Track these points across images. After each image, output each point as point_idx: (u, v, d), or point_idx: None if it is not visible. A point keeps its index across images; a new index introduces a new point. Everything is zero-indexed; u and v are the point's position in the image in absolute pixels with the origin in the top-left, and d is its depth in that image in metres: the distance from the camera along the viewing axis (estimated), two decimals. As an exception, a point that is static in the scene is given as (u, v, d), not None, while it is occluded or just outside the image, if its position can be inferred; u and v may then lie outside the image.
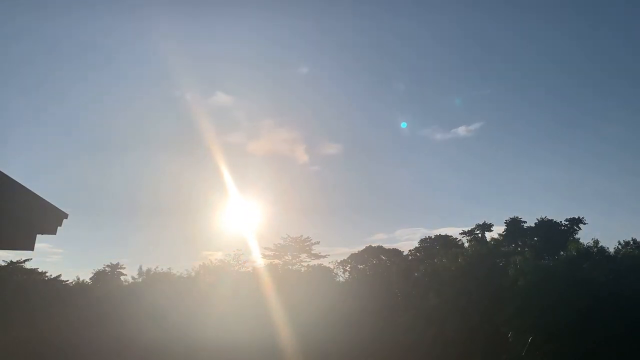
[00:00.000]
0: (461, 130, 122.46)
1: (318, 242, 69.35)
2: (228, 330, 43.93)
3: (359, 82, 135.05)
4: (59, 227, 6.44)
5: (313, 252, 68.92)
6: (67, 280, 60.33)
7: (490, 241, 59.72)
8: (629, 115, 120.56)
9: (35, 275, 57.73)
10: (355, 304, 49.23)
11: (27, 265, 56.63)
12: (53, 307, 47.71)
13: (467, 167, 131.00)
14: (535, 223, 68.43)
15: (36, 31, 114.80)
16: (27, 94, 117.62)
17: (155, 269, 61.30)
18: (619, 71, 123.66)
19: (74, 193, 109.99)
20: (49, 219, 6.29)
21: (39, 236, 6.50)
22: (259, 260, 66.87)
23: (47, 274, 58.96)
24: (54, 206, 6.26)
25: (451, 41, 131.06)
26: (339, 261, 71.50)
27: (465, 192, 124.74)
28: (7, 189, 5.73)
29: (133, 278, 63.52)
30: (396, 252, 72.46)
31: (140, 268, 62.18)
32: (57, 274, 59.69)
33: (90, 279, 68.45)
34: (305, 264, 68.13)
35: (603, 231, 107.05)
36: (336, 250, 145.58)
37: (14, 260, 55.69)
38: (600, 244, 45.52)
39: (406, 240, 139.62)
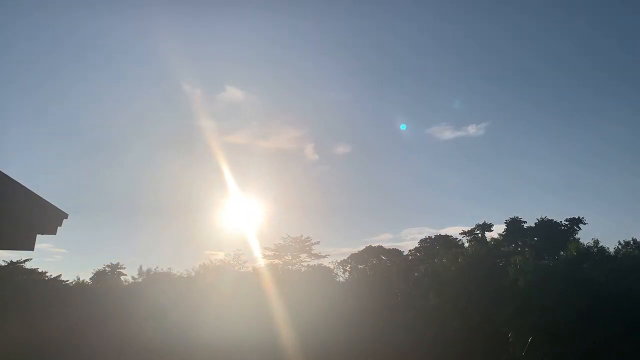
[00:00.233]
0: (463, 131, 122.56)
1: (318, 242, 69.44)
2: (228, 330, 43.95)
3: (361, 82, 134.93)
4: (59, 227, 6.44)
5: (313, 252, 68.98)
6: (67, 280, 60.43)
7: (490, 241, 59.69)
8: (630, 115, 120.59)
9: (35, 275, 57.75)
10: (355, 304, 49.25)
11: (27, 265, 56.75)
12: (53, 307, 47.73)
13: (468, 167, 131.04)
14: (535, 223, 68.46)
15: (36, 31, 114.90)
16: (28, 93, 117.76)
17: (155, 269, 61.44)
18: (619, 71, 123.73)
19: (76, 193, 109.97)
20: (49, 219, 6.29)
21: (40, 236, 6.51)
22: (260, 260, 67.06)
23: (47, 274, 59.05)
24: (54, 206, 6.26)
25: (451, 41, 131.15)
26: (339, 261, 71.63)
27: (467, 192, 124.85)
28: (7, 189, 5.73)
29: (133, 278, 63.65)
30: (396, 252, 72.49)
31: (141, 268, 62.30)
32: (57, 274, 59.83)
33: (90, 279, 68.56)
34: (305, 264, 68.20)
35: (603, 231, 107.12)
36: (341, 250, 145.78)
37: (14, 260, 55.81)
38: (600, 244, 45.63)
39: (411, 240, 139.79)
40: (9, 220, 5.89)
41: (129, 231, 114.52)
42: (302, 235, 69.11)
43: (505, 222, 70.40)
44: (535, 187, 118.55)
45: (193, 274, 60.46)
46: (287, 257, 68.83)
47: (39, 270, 58.89)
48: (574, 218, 68.49)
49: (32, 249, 6.47)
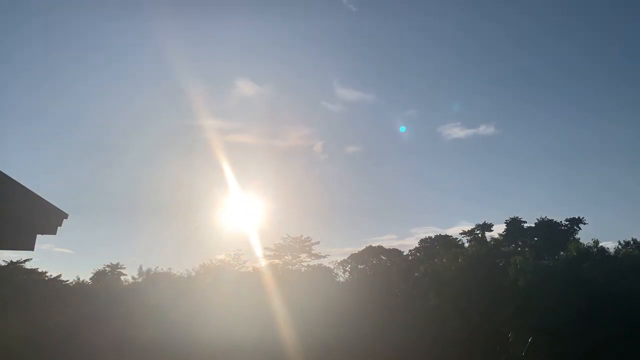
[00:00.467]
0: (467, 131, 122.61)
1: (318, 242, 69.42)
2: (228, 330, 43.93)
3: (364, 83, 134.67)
4: (59, 227, 6.45)
5: (313, 252, 68.97)
6: (67, 280, 60.42)
7: (491, 241, 59.69)
8: (630, 115, 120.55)
9: (35, 275, 57.73)
10: (355, 304, 49.25)
11: (28, 265, 56.76)
12: (53, 307, 47.69)
13: (468, 167, 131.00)
14: (536, 223, 68.48)
15: (36, 30, 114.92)
16: (28, 93, 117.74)
17: (155, 269, 61.42)
18: (619, 71, 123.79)
19: (80, 193, 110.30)
20: (49, 219, 6.30)
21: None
22: (261, 260, 67.10)
23: (47, 274, 59.03)
24: (54, 206, 6.26)
25: (453, 41, 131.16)
26: (339, 261, 71.65)
27: (469, 192, 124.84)
28: (7, 189, 5.74)
29: (133, 278, 63.63)
30: (396, 252, 72.51)
31: (141, 268, 62.29)
32: (57, 274, 59.83)
33: (90, 279, 68.57)
34: (305, 264, 68.20)
35: (603, 231, 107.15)
36: (345, 250, 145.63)
37: (14, 260, 55.81)
38: (600, 244, 45.65)
39: (417, 240, 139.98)
40: (9, 220, 5.90)
41: (132, 231, 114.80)
42: (302, 235, 69.17)
43: (505, 222, 70.48)
44: (536, 187, 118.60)
45: (193, 274, 60.53)
46: (287, 257, 68.84)
47: (39, 270, 58.95)
48: (574, 218, 68.53)
49: (32, 249, 6.48)
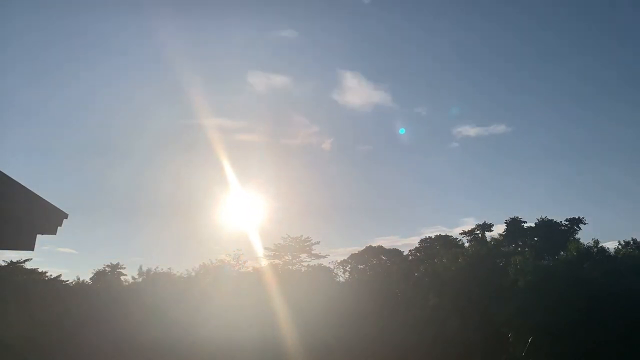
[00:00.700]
0: (466, 132, 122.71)
1: (318, 242, 69.43)
2: (228, 330, 43.94)
3: (375, 81, 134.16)
4: (59, 227, 6.45)
5: (313, 252, 68.99)
6: (67, 280, 60.45)
7: (491, 241, 59.72)
8: (630, 115, 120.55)
9: (35, 275, 57.72)
10: (355, 304, 49.26)
11: (29, 265, 56.76)
12: (53, 307, 47.70)
13: (468, 167, 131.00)
14: (536, 223, 68.48)
15: (36, 31, 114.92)
16: (29, 93, 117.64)
17: (155, 269, 61.39)
18: (619, 70, 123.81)
19: (82, 193, 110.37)
20: (49, 219, 6.30)
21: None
22: (261, 260, 67.11)
23: (47, 274, 59.05)
24: (54, 206, 6.27)
25: (451, 40, 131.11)
26: (339, 261, 71.68)
27: (471, 192, 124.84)
28: (7, 189, 5.74)
29: (133, 278, 63.61)
30: (396, 252, 72.54)
31: (140, 268, 62.24)
32: (57, 274, 59.85)
33: (91, 279, 68.58)
34: (305, 264, 68.20)
35: (603, 231, 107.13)
36: (349, 250, 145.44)
37: (14, 260, 55.80)
38: (600, 244, 45.60)
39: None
40: (9, 220, 5.90)
41: (135, 231, 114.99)
42: (302, 235, 69.18)
43: (505, 222, 70.50)
44: (536, 187, 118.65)
45: (193, 274, 60.51)
46: (287, 257, 68.85)
47: (39, 270, 58.95)
48: (574, 218, 68.53)
49: (32, 249, 6.48)
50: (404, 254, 73.07)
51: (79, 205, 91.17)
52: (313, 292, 50.75)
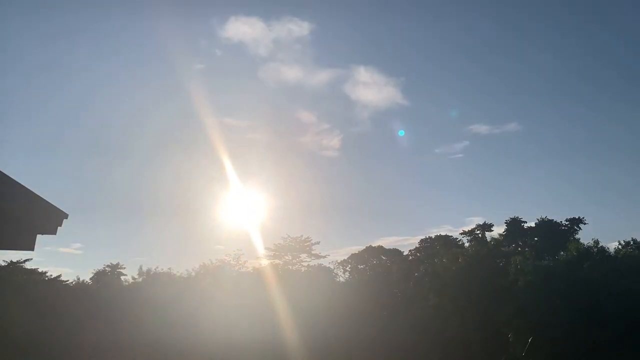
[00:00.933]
0: (477, 129, 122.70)
1: (318, 242, 69.32)
2: (228, 330, 43.97)
3: (382, 79, 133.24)
4: (59, 227, 6.45)
5: (313, 252, 68.94)
6: (67, 280, 60.45)
7: (491, 241, 59.68)
8: (630, 115, 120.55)
9: (35, 275, 57.73)
10: (355, 304, 49.27)
11: (29, 265, 56.77)
12: (53, 307, 47.73)
13: (475, 166, 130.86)
14: (536, 223, 68.44)
15: (36, 30, 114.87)
16: (29, 93, 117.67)
17: (155, 269, 61.40)
18: (619, 70, 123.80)
19: (81, 193, 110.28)
20: (49, 219, 6.30)
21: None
22: (261, 259, 67.10)
23: (47, 274, 59.06)
24: (54, 206, 6.27)
25: (450, 43, 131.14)
26: (339, 261, 71.63)
27: (476, 192, 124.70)
28: (8, 189, 5.74)
29: (133, 278, 63.60)
30: (396, 252, 72.48)
31: (141, 268, 62.24)
32: (57, 274, 59.86)
33: (91, 279, 68.53)
34: (305, 264, 68.18)
35: (603, 231, 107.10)
36: (349, 250, 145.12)
37: (14, 260, 55.79)
38: (600, 244, 45.59)
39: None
40: (9, 220, 5.90)
41: (137, 230, 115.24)
42: (302, 235, 69.11)
43: (505, 222, 70.43)
44: (536, 187, 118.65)
45: (193, 274, 60.53)
46: (287, 257, 68.81)
47: (39, 270, 58.97)
48: (574, 218, 68.47)
49: (32, 249, 6.48)
50: (404, 254, 73.11)
51: (80, 205, 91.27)
52: (313, 292, 50.75)
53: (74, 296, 53.04)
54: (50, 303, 48.19)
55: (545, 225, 67.43)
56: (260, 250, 67.11)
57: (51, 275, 59.01)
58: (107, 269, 71.46)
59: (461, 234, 73.91)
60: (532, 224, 68.76)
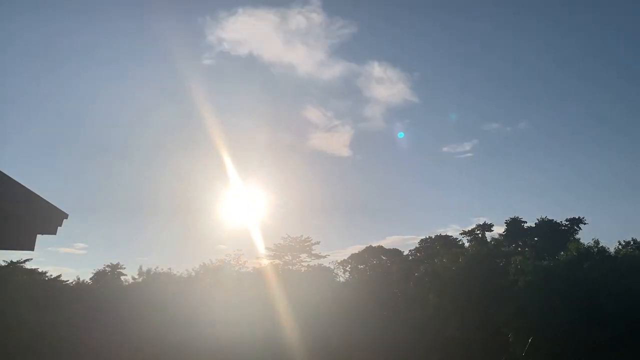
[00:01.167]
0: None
1: (318, 242, 69.38)
2: (228, 330, 43.96)
3: (391, 78, 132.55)
4: (59, 227, 6.46)
5: (313, 252, 68.96)
6: (67, 280, 60.42)
7: (491, 241, 59.67)
8: (630, 114, 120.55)
9: (35, 275, 57.72)
10: (355, 304, 49.27)
11: (28, 265, 56.75)
12: (53, 307, 47.72)
13: (470, 167, 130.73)
14: (536, 223, 68.38)
15: (37, 31, 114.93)
16: (29, 93, 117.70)
17: (155, 269, 61.37)
18: (620, 70, 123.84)
19: (81, 193, 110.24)
20: (49, 219, 6.31)
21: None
22: (261, 259, 67.15)
23: (47, 274, 59.04)
24: (54, 206, 6.27)
25: (450, 44, 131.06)
26: (339, 261, 71.61)
27: (479, 191, 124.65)
28: (7, 189, 5.74)
29: (133, 278, 63.57)
30: (396, 252, 72.44)
31: (140, 268, 62.18)
32: (57, 274, 59.85)
33: (91, 279, 68.52)
34: (305, 264, 68.19)
35: (603, 231, 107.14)
36: (349, 250, 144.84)
37: (14, 260, 55.78)
38: (600, 244, 45.56)
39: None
40: (9, 220, 5.90)
41: (138, 231, 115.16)
42: (302, 235, 69.14)
43: (505, 222, 70.36)
44: (536, 187, 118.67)
45: (193, 273, 60.53)
46: (287, 257, 68.83)
47: (39, 270, 58.95)
48: (574, 218, 68.41)
49: (32, 249, 6.49)
50: (404, 254, 73.07)
51: (82, 205, 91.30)
52: (313, 292, 50.75)
53: (74, 296, 53.03)
54: (50, 303, 48.20)
55: (545, 225, 67.37)
56: (261, 250, 67.23)
57: (51, 275, 59.05)
58: (107, 269, 71.48)
59: (461, 234, 73.89)
60: (532, 224, 68.77)
